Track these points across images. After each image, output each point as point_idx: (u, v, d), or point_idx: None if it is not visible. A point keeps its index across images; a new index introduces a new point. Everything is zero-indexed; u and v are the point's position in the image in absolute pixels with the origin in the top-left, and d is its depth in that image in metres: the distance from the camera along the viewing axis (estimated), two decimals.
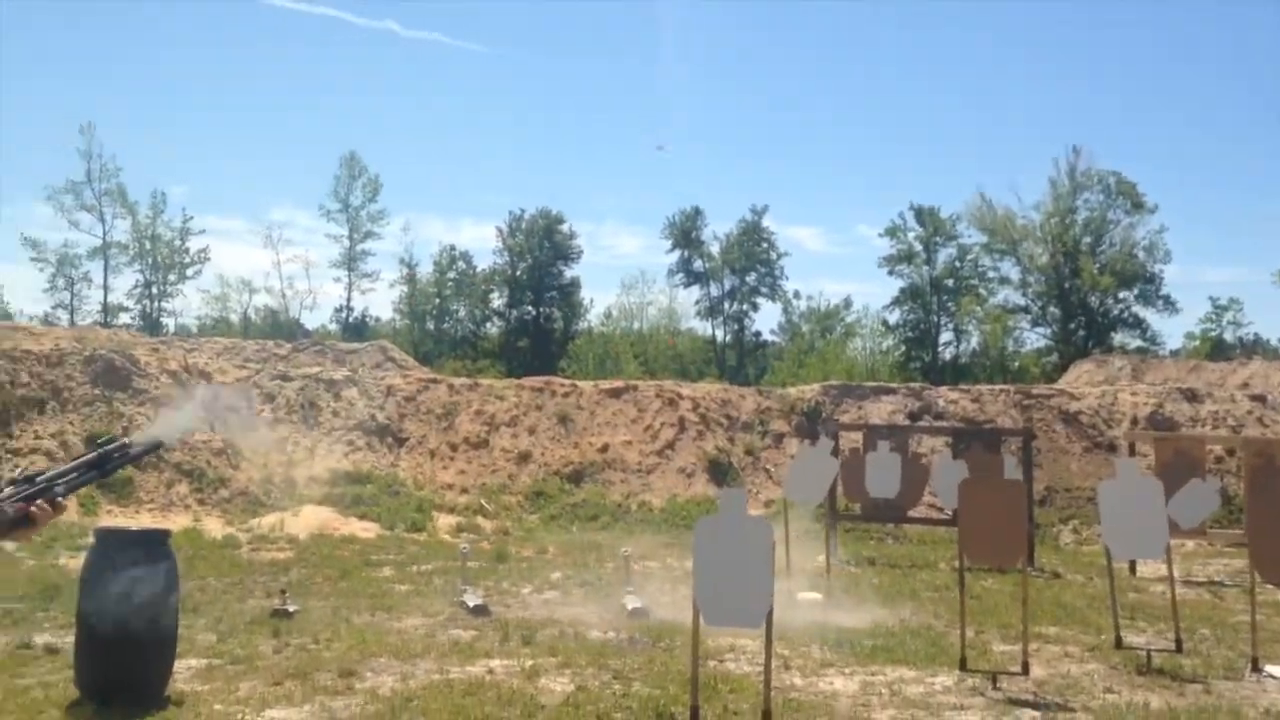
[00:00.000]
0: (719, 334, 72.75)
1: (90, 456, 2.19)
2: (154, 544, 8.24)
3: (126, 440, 2.31)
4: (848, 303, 71.74)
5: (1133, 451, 21.92)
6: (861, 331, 70.17)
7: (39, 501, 2.07)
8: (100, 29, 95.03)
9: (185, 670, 8.96)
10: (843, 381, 35.60)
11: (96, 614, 7.86)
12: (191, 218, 68.37)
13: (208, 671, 9.05)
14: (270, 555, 18.00)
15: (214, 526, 21.58)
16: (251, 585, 14.24)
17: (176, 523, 21.67)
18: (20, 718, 7.35)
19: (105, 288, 66.99)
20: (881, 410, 31.14)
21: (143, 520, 21.22)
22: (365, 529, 21.94)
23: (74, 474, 2.16)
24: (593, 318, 73.21)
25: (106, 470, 2.23)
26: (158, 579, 7.95)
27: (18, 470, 2.04)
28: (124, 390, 25.77)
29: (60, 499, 2.10)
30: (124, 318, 65.97)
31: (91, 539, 8.50)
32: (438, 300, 70.27)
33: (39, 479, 2.12)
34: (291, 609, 11.81)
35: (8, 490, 2.08)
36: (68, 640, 8.74)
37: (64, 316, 64.58)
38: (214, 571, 15.56)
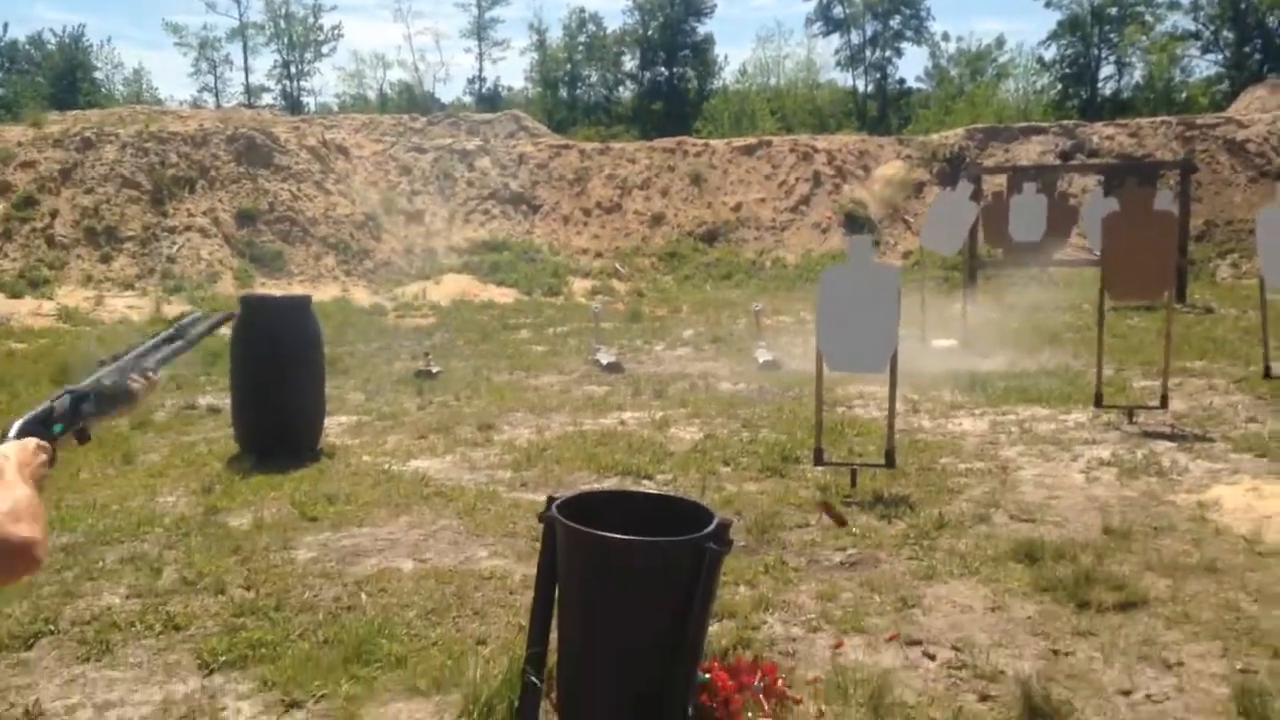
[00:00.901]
0: (860, 85, 69.51)
1: (168, 332, 2.24)
2: (297, 309, 8.57)
3: (199, 314, 2.36)
4: (1000, 42, 67.50)
5: None
6: (1014, 72, 65.98)
7: (133, 376, 2.10)
8: None
9: (336, 426, 9.50)
10: (988, 125, 33.87)
11: (248, 375, 8.32)
12: None
13: (357, 427, 9.58)
14: (414, 321, 18.69)
15: (361, 296, 22.46)
16: (397, 349, 14.85)
17: (326, 293, 22.61)
18: (186, 471, 7.95)
19: (246, 69, 67.90)
20: (1030, 152, 29.68)
21: (293, 291, 22.14)
22: (503, 294, 22.50)
23: (158, 349, 2.20)
24: (727, 76, 70.75)
25: (188, 341, 2.27)
26: (302, 341, 8.31)
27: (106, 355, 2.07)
28: (266, 167, 26.45)
29: (152, 373, 2.13)
30: (266, 99, 67.01)
31: (239, 308, 8.89)
32: (569, 66, 68.80)
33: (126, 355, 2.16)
34: (434, 370, 12.31)
35: (102, 371, 2.13)
36: (226, 401, 9.32)
37: (209, 100, 66.01)
38: (362, 337, 16.27)
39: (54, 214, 24.48)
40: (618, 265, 26.52)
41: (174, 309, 20.09)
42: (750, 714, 4.03)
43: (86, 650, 4.68)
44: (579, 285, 24.11)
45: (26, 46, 62.51)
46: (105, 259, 23.71)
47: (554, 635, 3.95)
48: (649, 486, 7.39)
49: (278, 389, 8.09)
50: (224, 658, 4.53)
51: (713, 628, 4.89)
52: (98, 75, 63.05)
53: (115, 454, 8.44)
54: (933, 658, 4.58)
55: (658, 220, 28.26)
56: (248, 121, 29.04)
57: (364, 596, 5.21)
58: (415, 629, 4.83)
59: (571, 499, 4.04)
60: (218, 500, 7.01)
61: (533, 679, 3.94)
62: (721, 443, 8.69)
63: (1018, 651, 4.59)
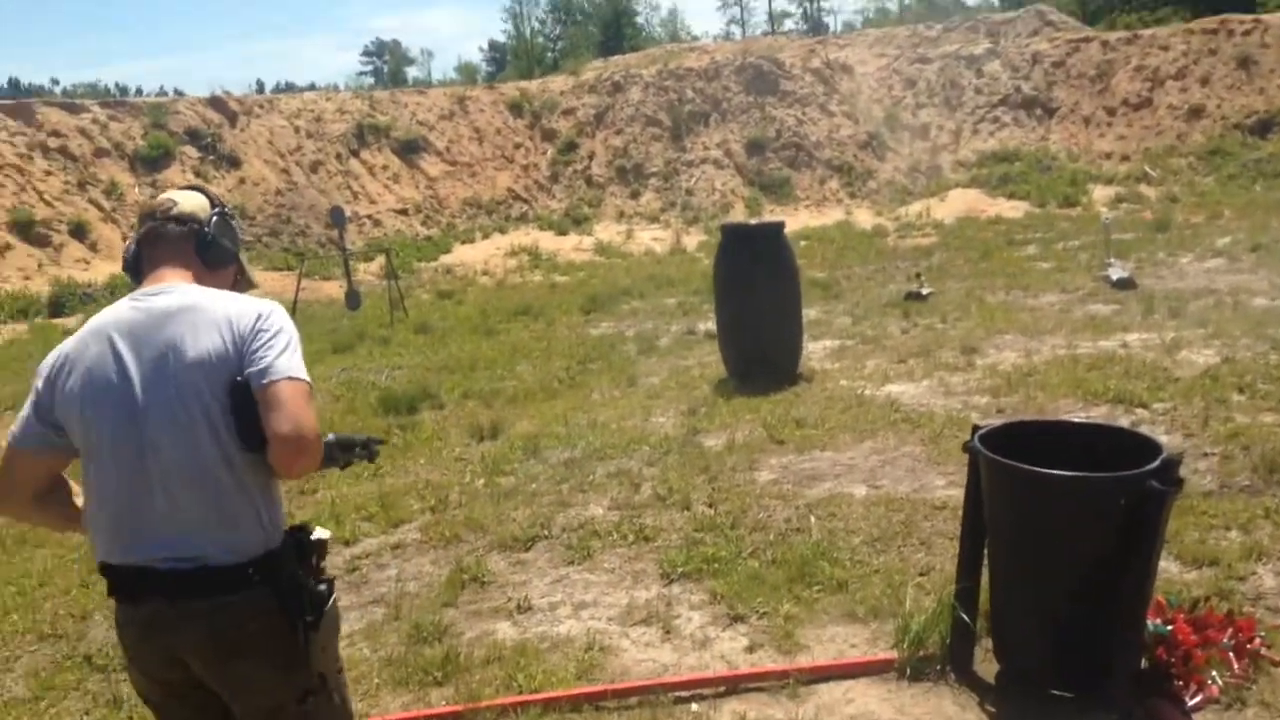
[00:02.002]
0: None
1: (364, 438, 2.66)
2: (770, 236, 8.82)
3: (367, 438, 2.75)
4: None
5: None
6: None
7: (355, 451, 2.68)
8: None
9: (819, 350, 9.71)
10: None
11: (727, 302, 8.75)
12: None
13: (838, 351, 9.71)
14: (914, 241, 18.41)
15: (864, 218, 22.50)
16: (892, 271, 14.75)
17: (829, 216, 22.98)
18: (679, 394, 8.56)
19: None
20: None
21: (799, 217, 22.75)
22: (1013, 208, 21.39)
23: (361, 447, 2.68)
24: None
25: (370, 456, 2.76)
26: (776, 268, 8.55)
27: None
28: (773, 94, 27.24)
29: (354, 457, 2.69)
30: (787, 24, 68.78)
31: (719, 237, 9.34)
32: None
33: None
34: (925, 291, 12.08)
35: (357, 437, 2.70)
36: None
37: (736, 32, 68.96)
38: (859, 260, 16.36)
39: (591, 156, 27.19)
40: (1147, 168, 24.04)
41: (692, 239, 21.55)
42: (1215, 672, 3.60)
43: (571, 554, 5.28)
44: (1100, 194, 22.22)
45: None
46: (634, 195, 25.94)
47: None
48: (1142, 415, 6.76)
49: (754, 315, 8.42)
50: (681, 569, 4.89)
51: (1189, 575, 4.42)
52: (639, 20, 68.27)
53: (622, 377, 9.32)
54: None
55: (1196, 113, 25.11)
56: (756, 50, 30.01)
57: (813, 519, 5.34)
58: (859, 555, 4.87)
59: (1000, 429, 3.83)
60: (699, 421, 7.50)
61: (961, 615, 3.83)
62: (1241, 368, 7.69)
63: None
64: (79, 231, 20.27)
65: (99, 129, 23.13)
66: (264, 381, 2.22)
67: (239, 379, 2.24)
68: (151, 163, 23.01)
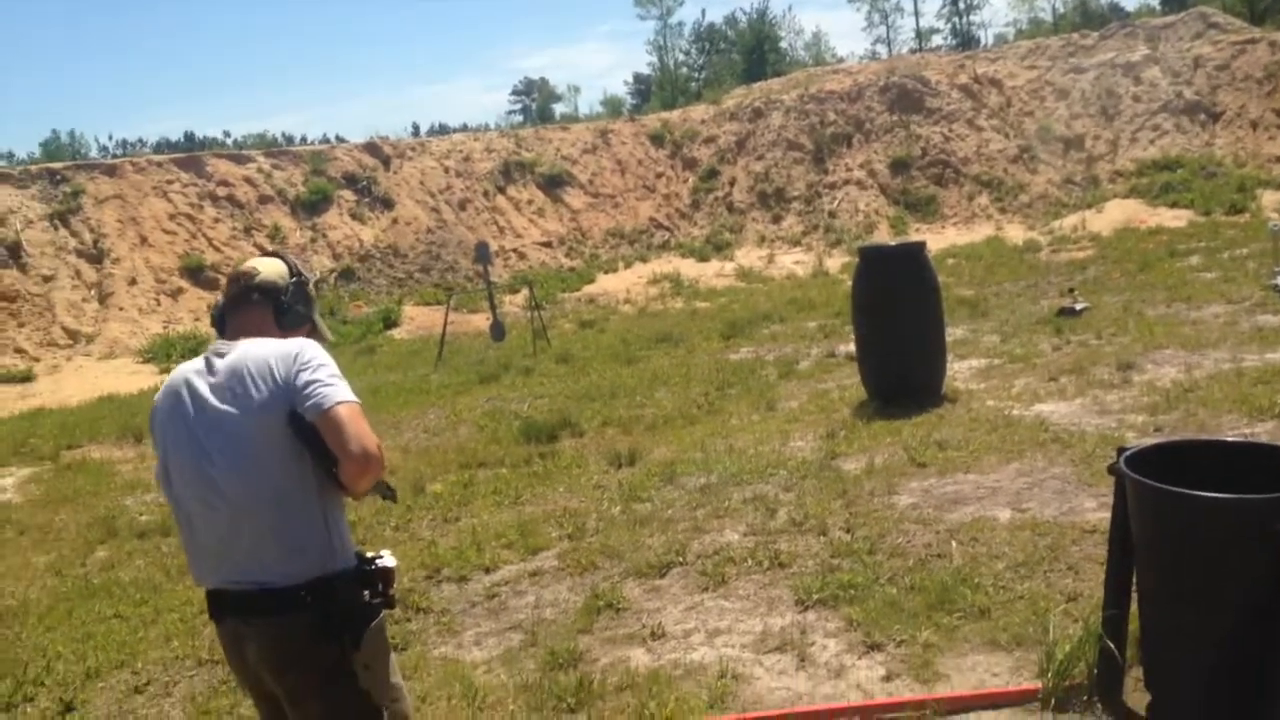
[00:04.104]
0: None
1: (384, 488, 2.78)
2: (910, 257, 8.63)
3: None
4: None
5: None
6: None
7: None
8: None
9: (965, 370, 9.42)
10: None
11: (866, 324, 8.59)
12: None
13: (986, 370, 9.40)
14: (1069, 255, 17.74)
15: (1014, 234, 21.82)
16: (1045, 287, 14.24)
17: (978, 233, 22.37)
18: (818, 417, 8.42)
19: (915, 13, 68.72)
20: None
21: (947, 235, 22.25)
22: (1175, 218, 20.40)
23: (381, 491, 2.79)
24: None
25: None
26: (917, 288, 8.35)
27: None
28: (918, 112, 26.75)
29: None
30: (935, 40, 67.49)
31: (857, 258, 9.19)
32: None
33: None
34: (1079, 307, 11.61)
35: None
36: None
37: (883, 51, 68.04)
38: (1010, 276, 15.85)
39: (732, 182, 27.21)
40: None
41: (835, 262, 21.29)
42: None
43: (706, 581, 5.23)
44: (1269, 199, 20.97)
45: (723, 27, 69.44)
46: (775, 219, 25.82)
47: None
48: None
49: (895, 336, 8.24)
50: (817, 596, 4.79)
51: None
52: (782, 45, 68.02)
53: (760, 402, 9.24)
54: None
55: None
56: (901, 69, 29.49)
57: (954, 544, 5.16)
58: (1002, 581, 4.68)
59: (1150, 449, 3.62)
60: (838, 445, 7.36)
61: (1108, 643, 3.62)
62: None
63: None
64: None
65: (263, 177, 24.38)
66: (323, 410, 2.46)
67: (296, 411, 2.47)
68: (311, 207, 24.12)
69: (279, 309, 2.73)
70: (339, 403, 2.47)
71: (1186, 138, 25.32)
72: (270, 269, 2.78)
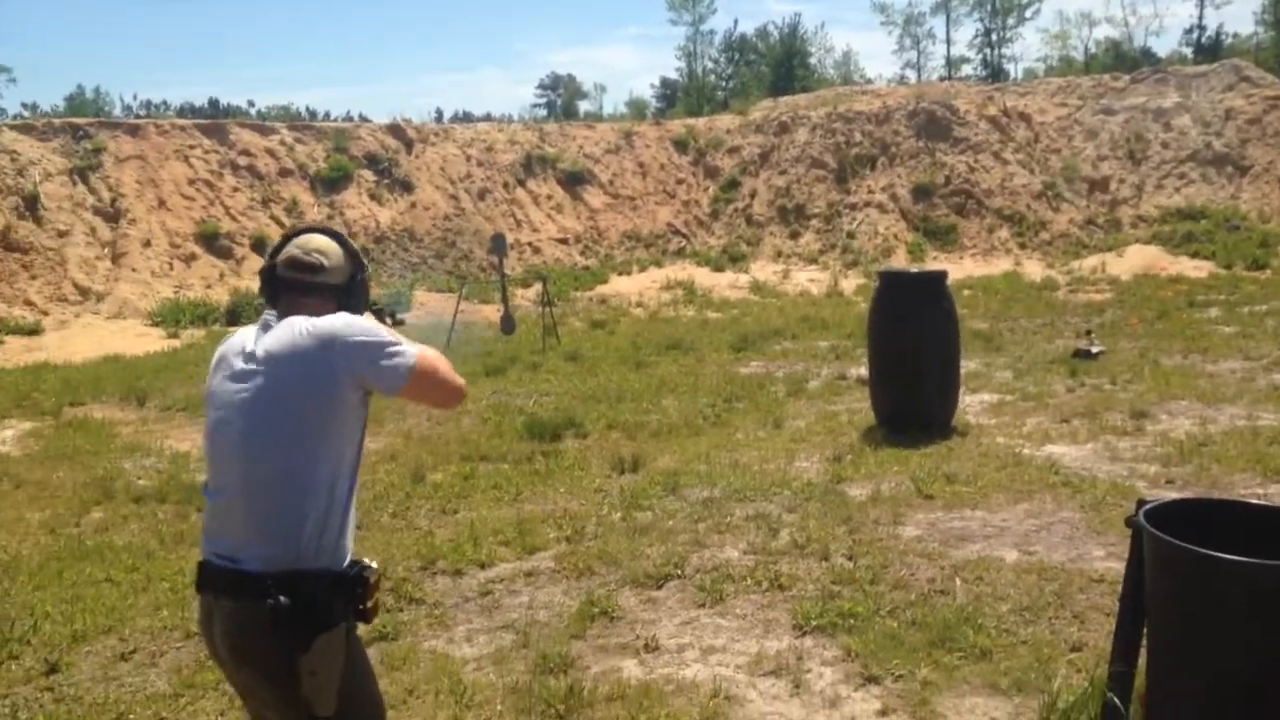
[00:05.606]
0: None
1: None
2: (932, 285, 8.56)
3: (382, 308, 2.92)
4: None
5: None
6: None
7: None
8: None
9: (976, 404, 9.35)
10: None
11: (881, 349, 8.51)
12: None
13: (997, 406, 9.33)
14: (1087, 297, 17.66)
15: (1034, 270, 21.73)
16: (1061, 326, 14.16)
17: (997, 266, 22.28)
18: (825, 439, 8.36)
19: (947, 41, 68.66)
20: None
21: (964, 266, 22.15)
22: (1196, 268, 20.31)
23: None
24: None
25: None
26: (934, 317, 8.29)
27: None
28: (944, 140, 26.66)
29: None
30: (965, 69, 67.30)
31: (877, 281, 9.11)
32: None
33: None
34: (1095, 350, 11.53)
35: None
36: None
37: (911, 76, 67.89)
38: (1026, 313, 15.77)
39: (753, 194, 27.14)
40: None
41: (850, 283, 21.21)
42: None
43: (703, 596, 5.17)
44: None
45: (754, 39, 69.32)
46: (793, 235, 25.75)
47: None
48: None
49: (909, 364, 8.17)
50: (815, 622, 4.72)
51: None
52: (811, 61, 67.89)
53: (768, 418, 9.17)
54: None
55: None
56: (931, 95, 29.40)
57: (958, 582, 5.09)
58: (1006, 623, 4.61)
59: (1169, 505, 3.55)
60: (844, 469, 7.29)
61: (1114, 699, 3.55)
62: None
63: None
64: (259, 246, 21.29)
65: (285, 150, 24.34)
66: (403, 376, 2.49)
67: (344, 386, 2.48)
68: (331, 184, 24.08)
69: (340, 303, 2.65)
70: (413, 366, 2.50)
71: (1212, 189, 25.23)
72: (335, 258, 2.69)
